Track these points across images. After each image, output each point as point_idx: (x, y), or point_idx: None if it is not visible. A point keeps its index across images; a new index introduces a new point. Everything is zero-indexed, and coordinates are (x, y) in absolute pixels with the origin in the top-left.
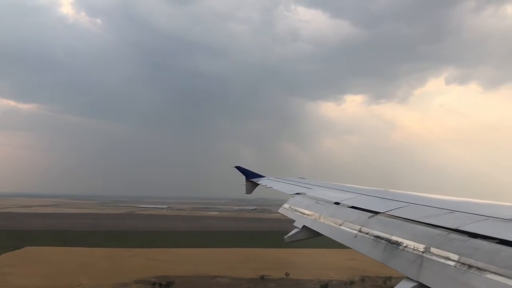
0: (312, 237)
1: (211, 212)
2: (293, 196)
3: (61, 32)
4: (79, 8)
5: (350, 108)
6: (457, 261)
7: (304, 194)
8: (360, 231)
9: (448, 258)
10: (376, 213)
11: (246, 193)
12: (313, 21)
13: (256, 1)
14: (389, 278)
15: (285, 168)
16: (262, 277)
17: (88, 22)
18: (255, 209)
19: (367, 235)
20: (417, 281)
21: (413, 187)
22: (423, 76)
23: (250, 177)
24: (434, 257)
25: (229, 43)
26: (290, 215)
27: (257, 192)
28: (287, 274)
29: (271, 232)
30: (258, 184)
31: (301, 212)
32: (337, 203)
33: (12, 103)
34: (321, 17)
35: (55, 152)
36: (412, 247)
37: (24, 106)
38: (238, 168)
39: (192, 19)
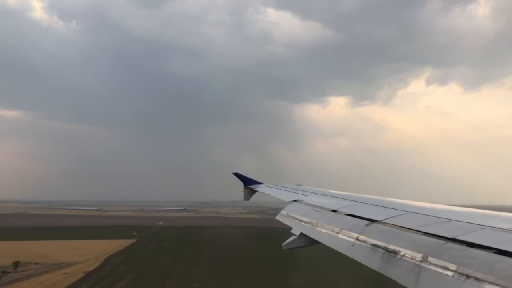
0: (309, 245)
1: (115, 212)
2: (290, 203)
3: (37, 37)
4: (52, 12)
5: (336, 110)
6: (455, 271)
7: (301, 201)
8: (357, 239)
9: (446, 268)
10: (374, 221)
11: (244, 199)
12: (284, 23)
13: (225, 3)
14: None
15: (277, 173)
16: None
17: (62, 26)
18: (184, 209)
19: (365, 244)
20: None
21: (408, 189)
22: (403, 77)
23: (248, 183)
24: (431, 267)
25: (204, 46)
26: (287, 222)
27: (258, 195)
28: None
29: (108, 227)
30: (256, 191)
31: (298, 219)
32: (334, 211)
33: None
34: (291, 19)
35: (42, 159)
36: (409, 256)
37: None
38: (236, 174)
39: (165, 23)
